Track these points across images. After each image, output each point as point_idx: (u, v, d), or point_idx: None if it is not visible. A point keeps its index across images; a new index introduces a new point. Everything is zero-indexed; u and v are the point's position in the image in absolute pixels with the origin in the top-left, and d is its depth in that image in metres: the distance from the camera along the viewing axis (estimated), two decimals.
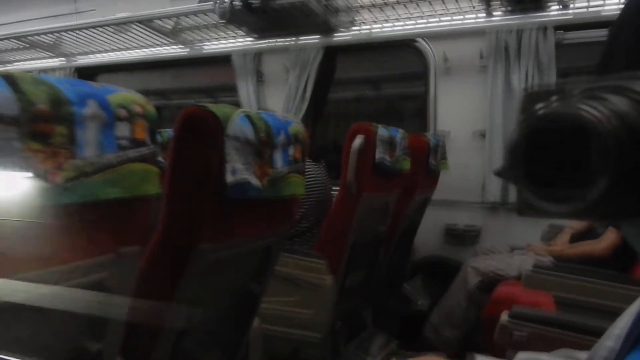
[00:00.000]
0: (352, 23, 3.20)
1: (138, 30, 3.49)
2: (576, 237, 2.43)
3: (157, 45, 3.76)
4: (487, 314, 2.11)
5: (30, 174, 0.64)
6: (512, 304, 1.68)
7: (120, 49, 3.91)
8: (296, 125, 1.24)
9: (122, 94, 0.79)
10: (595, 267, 1.88)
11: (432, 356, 0.72)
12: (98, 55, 4.06)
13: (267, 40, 3.46)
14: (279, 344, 1.89)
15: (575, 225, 2.49)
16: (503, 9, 2.80)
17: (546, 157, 0.30)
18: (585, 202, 0.28)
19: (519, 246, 2.59)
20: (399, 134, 2.03)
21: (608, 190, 0.27)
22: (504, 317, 1.55)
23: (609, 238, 2.21)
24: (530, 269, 1.70)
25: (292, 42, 3.38)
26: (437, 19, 2.98)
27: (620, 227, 0.42)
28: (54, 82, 0.68)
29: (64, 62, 4.20)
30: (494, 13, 2.84)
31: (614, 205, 0.28)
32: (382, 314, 2.61)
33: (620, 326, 0.47)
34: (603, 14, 2.58)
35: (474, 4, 2.82)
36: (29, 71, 4.21)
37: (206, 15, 3.18)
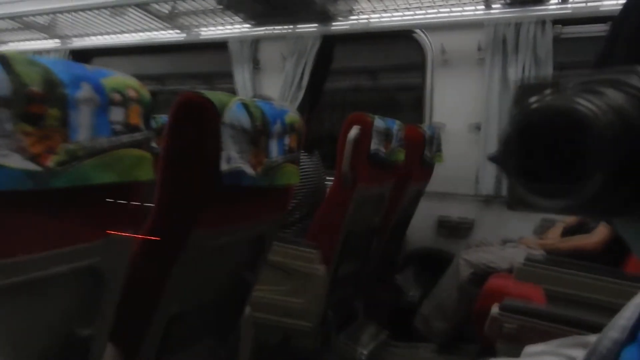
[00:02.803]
0: (351, 12, 3.18)
1: (134, 14, 3.45)
2: (568, 231, 2.44)
3: (154, 29, 3.73)
4: (478, 306, 2.12)
5: (22, 157, 0.64)
6: (503, 296, 1.69)
7: (116, 33, 3.87)
8: (292, 115, 1.23)
9: (117, 77, 0.78)
10: (587, 261, 1.89)
11: None
12: (93, 38, 4.02)
13: (264, 28, 3.43)
14: (270, 332, 1.89)
15: (567, 219, 2.50)
16: (502, 1, 2.79)
17: (539, 152, 0.29)
18: (580, 198, 0.27)
19: (511, 239, 2.60)
20: (396, 125, 2.03)
21: (603, 186, 0.26)
22: (495, 309, 1.56)
23: (600, 232, 2.22)
24: (521, 262, 1.71)
25: (290, 30, 3.35)
26: (436, 10, 2.96)
27: (612, 223, 0.42)
28: (48, 63, 0.67)
29: (59, 44, 4.16)
30: (493, 6, 2.83)
31: (608, 201, 0.27)
32: (374, 305, 2.62)
33: (626, 316, 0.46)
34: (602, 8, 2.57)
35: None
36: (23, 52, 4.19)
37: (204, 0, 3.15)
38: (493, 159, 0.33)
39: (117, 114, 0.77)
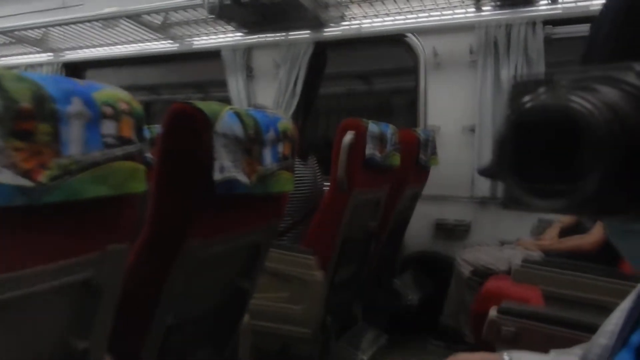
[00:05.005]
0: (342, 18, 3.19)
1: (127, 25, 3.46)
2: (565, 232, 2.45)
3: (146, 40, 3.73)
4: (476, 309, 2.12)
5: (14, 173, 0.63)
6: (501, 298, 1.68)
7: (108, 44, 3.87)
8: (285, 122, 1.23)
9: (108, 91, 0.78)
10: (584, 261, 1.89)
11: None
12: (86, 50, 4.02)
13: (257, 36, 3.44)
14: (268, 339, 1.89)
15: (564, 219, 2.50)
16: (492, 3, 2.80)
17: (534, 152, 0.29)
18: (577, 197, 0.27)
19: (508, 241, 2.60)
20: (390, 129, 2.03)
21: (600, 185, 0.26)
22: (493, 312, 1.56)
23: (597, 232, 2.22)
24: (519, 264, 1.71)
25: (282, 37, 3.36)
26: (427, 14, 2.98)
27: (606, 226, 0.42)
28: (38, 79, 0.67)
29: (52, 58, 4.16)
30: (483, 8, 2.84)
31: (605, 200, 0.27)
32: (372, 309, 2.62)
33: (613, 322, 0.46)
34: (592, 8, 2.58)
35: None
36: (16, 67, 4.16)
37: (195, 10, 3.16)
38: (483, 172, 0.32)
39: (108, 127, 0.77)
